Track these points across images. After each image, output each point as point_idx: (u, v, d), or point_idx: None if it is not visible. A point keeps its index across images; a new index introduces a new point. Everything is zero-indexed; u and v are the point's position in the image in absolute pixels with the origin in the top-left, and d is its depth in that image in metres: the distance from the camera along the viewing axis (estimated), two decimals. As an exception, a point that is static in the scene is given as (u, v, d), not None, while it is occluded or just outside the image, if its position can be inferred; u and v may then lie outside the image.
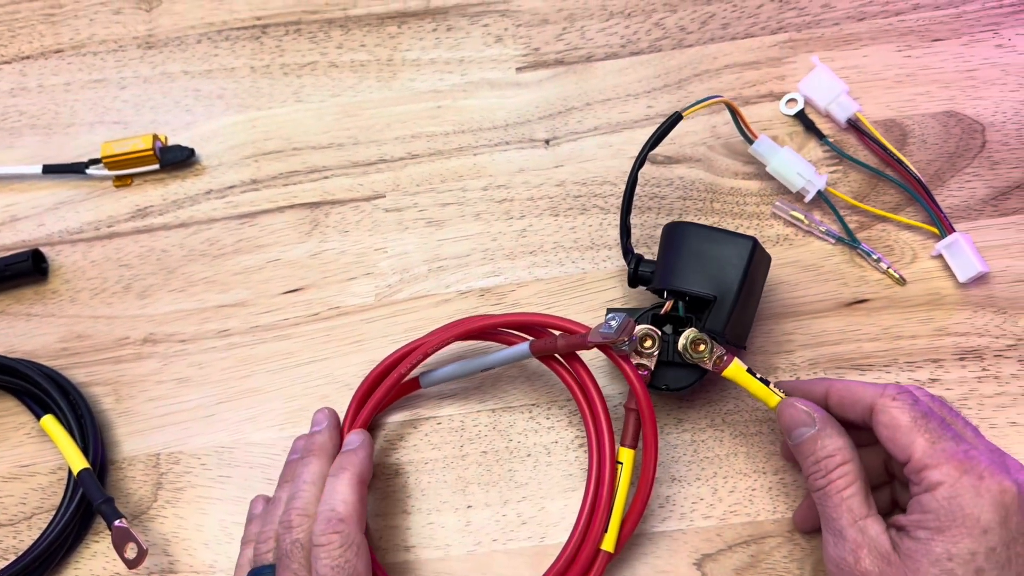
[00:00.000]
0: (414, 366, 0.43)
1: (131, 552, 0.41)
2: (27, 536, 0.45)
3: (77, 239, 0.53)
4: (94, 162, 0.54)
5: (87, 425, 0.46)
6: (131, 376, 0.48)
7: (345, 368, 0.48)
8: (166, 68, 0.57)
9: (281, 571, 0.37)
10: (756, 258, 0.41)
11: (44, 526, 0.45)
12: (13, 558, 0.44)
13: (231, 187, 0.53)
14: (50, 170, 0.54)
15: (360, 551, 0.37)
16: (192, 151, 0.53)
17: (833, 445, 0.37)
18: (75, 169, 0.54)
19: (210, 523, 0.45)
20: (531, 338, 0.42)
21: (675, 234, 0.42)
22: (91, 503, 0.43)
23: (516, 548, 0.43)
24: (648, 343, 0.40)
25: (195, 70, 0.57)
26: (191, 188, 0.54)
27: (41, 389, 0.46)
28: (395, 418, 0.46)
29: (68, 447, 0.44)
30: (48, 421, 0.45)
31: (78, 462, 0.44)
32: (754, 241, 0.41)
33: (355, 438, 0.42)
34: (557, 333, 0.42)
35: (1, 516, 0.46)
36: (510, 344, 0.43)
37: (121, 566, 0.43)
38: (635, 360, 0.40)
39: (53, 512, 0.45)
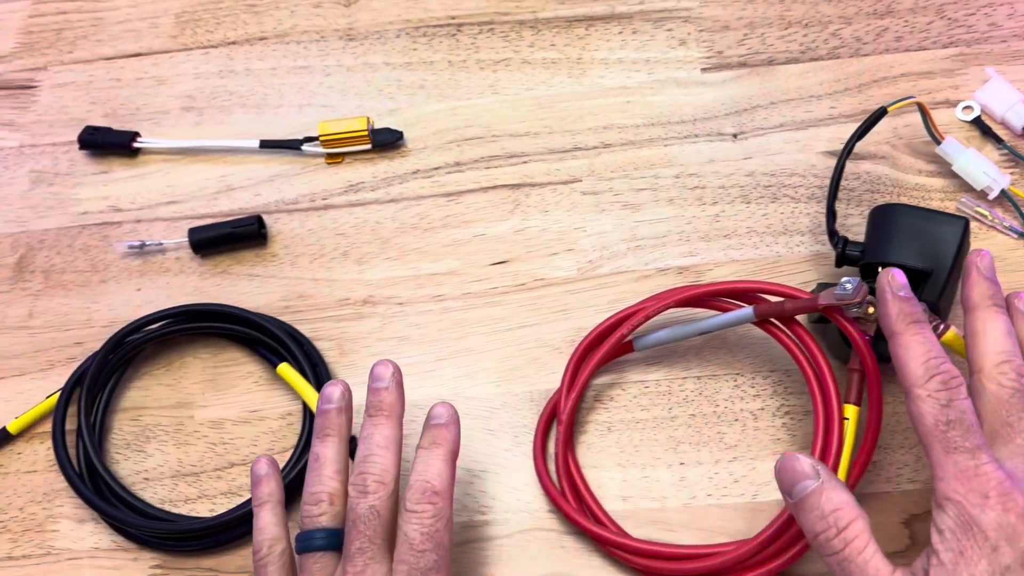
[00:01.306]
0: (634, 328, 0.47)
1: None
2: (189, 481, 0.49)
3: (293, 209, 0.57)
4: (309, 139, 0.58)
5: (321, 373, 0.49)
6: (353, 333, 0.52)
7: (553, 333, 0.51)
8: (368, 59, 0.62)
9: (354, 536, 0.37)
10: (966, 238, 0.44)
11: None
12: (248, 495, 0.48)
13: (436, 168, 0.57)
14: (267, 145, 0.58)
15: (448, 525, 0.37)
16: (401, 134, 0.58)
17: (840, 498, 0.34)
18: (291, 145, 0.58)
19: (435, 468, 0.48)
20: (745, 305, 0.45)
21: (887, 214, 0.46)
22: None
23: (730, 503, 0.46)
24: (871, 310, 0.43)
25: (396, 62, 0.61)
26: (399, 168, 0.58)
27: (277, 340, 0.50)
28: (602, 380, 0.50)
29: (308, 391, 0.48)
30: (285, 368, 0.49)
31: (315, 400, 0.47)
32: (966, 221, 0.44)
33: (444, 411, 0.40)
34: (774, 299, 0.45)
35: (235, 456, 0.49)
36: (726, 311, 0.46)
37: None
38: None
39: (285, 453, 0.49)
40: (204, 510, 0.48)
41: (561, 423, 0.46)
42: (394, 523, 0.38)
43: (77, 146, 0.60)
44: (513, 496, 0.47)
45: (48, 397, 0.51)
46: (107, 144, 0.59)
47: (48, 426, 0.51)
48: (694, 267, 0.52)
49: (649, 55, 0.60)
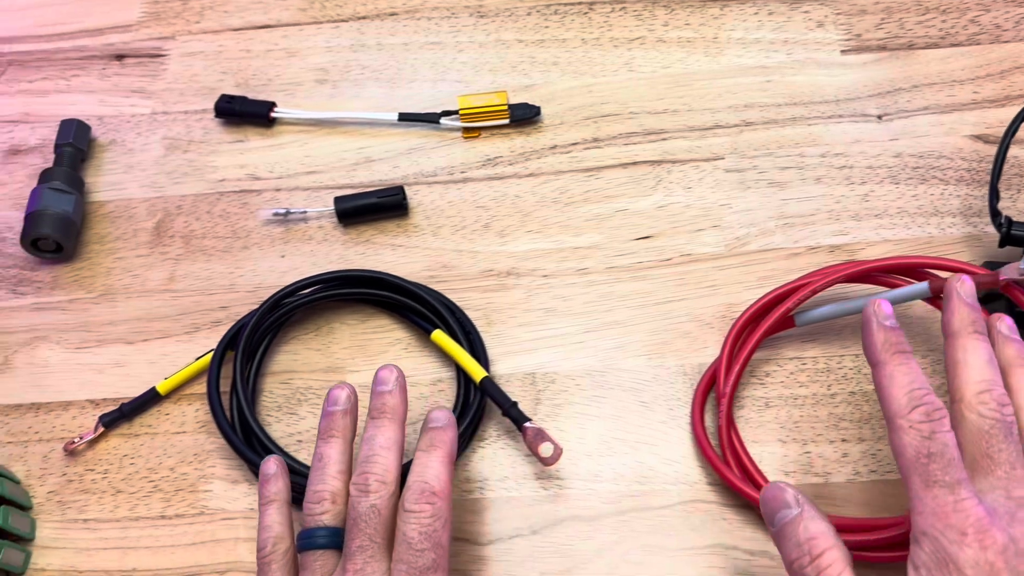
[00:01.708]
0: (801, 302, 0.46)
1: (546, 451, 0.44)
2: (414, 439, 0.49)
3: (433, 181, 0.57)
4: (447, 113, 0.58)
5: (475, 340, 0.49)
6: (499, 304, 0.52)
7: (703, 308, 0.51)
8: (500, 36, 0.62)
9: (355, 534, 0.37)
10: None
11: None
12: (404, 459, 0.47)
13: (574, 144, 0.57)
14: (405, 118, 0.58)
15: (446, 525, 0.38)
16: (539, 109, 0.58)
17: (816, 528, 0.34)
18: (429, 119, 0.58)
19: (590, 437, 0.48)
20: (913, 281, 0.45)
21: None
22: (502, 407, 0.46)
23: (895, 478, 0.45)
24: (1052, 287, 0.42)
25: (528, 39, 0.61)
26: (536, 143, 0.58)
27: (429, 308, 0.50)
28: (755, 356, 0.49)
29: (465, 357, 0.48)
30: (440, 335, 0.49)
31: (478, 371, 0.47)
32: None
33: (442, 416, 0.41)
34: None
35: (388, 420, 0.49)
36: (893, 288, 0.46)
37: (510, 468, 0.47)
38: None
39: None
40: (359, 474, 0.48)
41: (724, 396, 0.46)
42: (394, 523, 0.38)
43: (211, 114, 0.60)
44: (671, 468, 0.47)
45: (197, 359, 0.51)
46: (244, 113, 0.59)
47: (195, 388, 0.51)
48: (845, 246, 0.52)
49: (787, 36, 0.59)
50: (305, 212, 0.56)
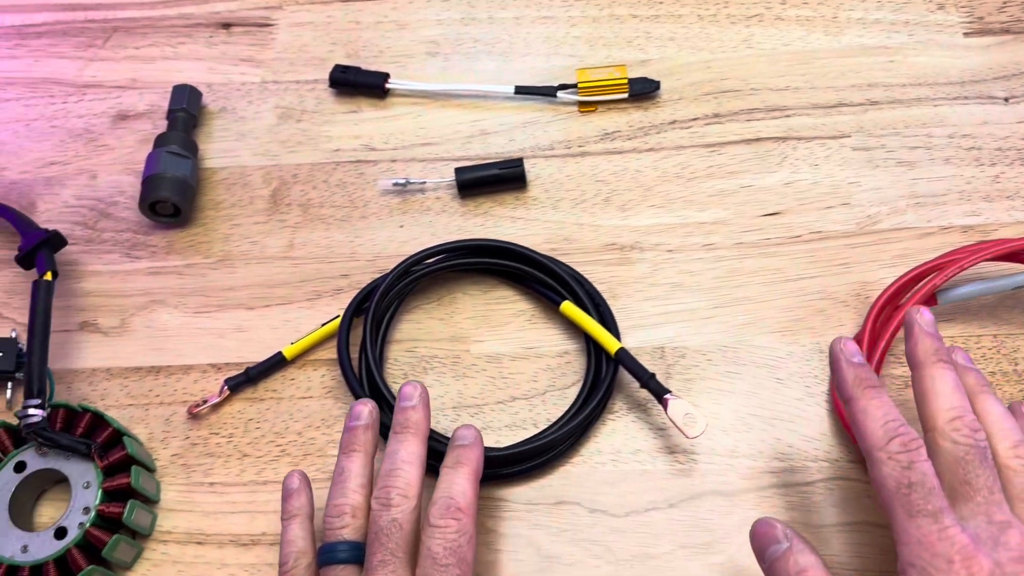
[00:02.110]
0: (948, 279, 0.46)
1: (691, 423, 0.44)
2: (542, 410, 0.48)
3: (550, 155, 0.56)
4: (563, 87, 0.58)
5: (605, 312, 0.49)
6: (623, 277, 0.51)
7: (837, 287, 0.50)
8: (613, 11, 0.61)
9: (376, 549, 0.37)
10: None
11: (559, 402, 0.48)
12: (534, 429, 0.47)
13: (694, 119, 0.57)
14: (522, 91, 0.58)
15: (471, 541, 0.38)
16: (659, 84, 0.57)
17: (806, 560, 0.35)
18: (546, 92, 0.58)
19: (724, 412, 0.47)
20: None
21: None
22: (640, 379, 0.45)
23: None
24: None
25: (643, 14, 0.61)
26: (654, 118, 0.57)
27: (557, 279, 0.49)
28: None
29: (597, 329, 0.47)
30: (569, 306, 0.48)
31: (613, 342, 0.46)
32: None
33: (469, 433, 0.41)
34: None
35: (515, 391, 0.49)
36: (1042, 267, 0.45)
37: (642, 441, 0.47)
38: None
39: (565, 390, 0.48)
40: (490, 442, 0.47)
41: (867, 372, 0.45)
42: (416, 538, 0.38)
43: (323, 84, 0.60)
44: (810, 446, 0.46)
45: (323, 325, 0.51)
46: (359, 84, 0.59)
47: (320, 354, 0.51)
48: (979, 227, 0.51)
49: (907, 17, 0.59)
50: (424, 183, 0.55)
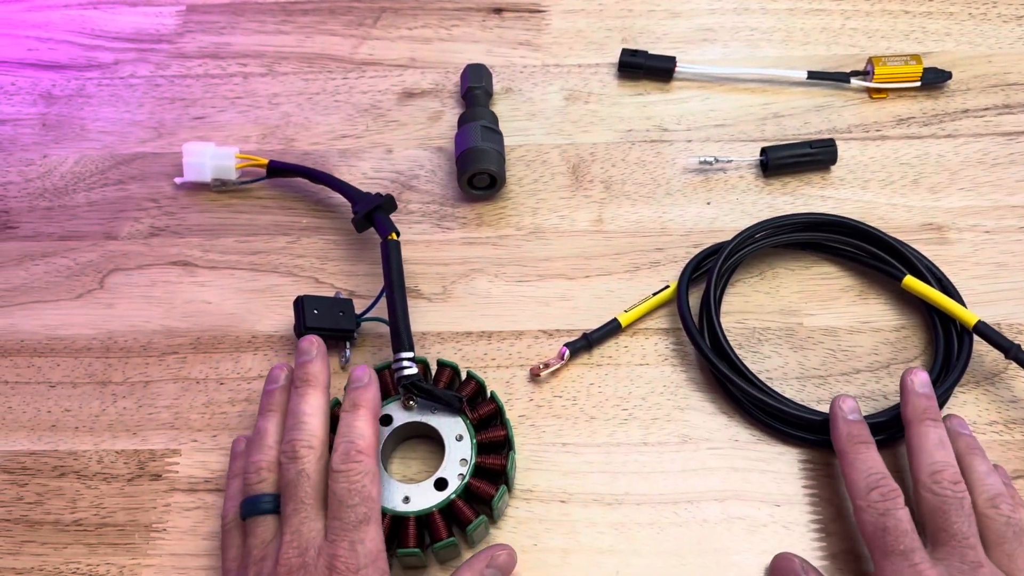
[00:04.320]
0: None
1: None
2: (888, 382, 0.49)
3: (849, 138, 0.58)
4: (855, 74, 0.59)
5: (948, 286, 0.50)
6: (945, 256, 0.53)
7: None
8: (885, 6, 0.63)
9: (288, 499, 0.39)
10: None
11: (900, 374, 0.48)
12: (885, 401, 0.48)
13: (986, 109, 0.58)
14: (815, 76, 0.59)
15: (374, 480, 0.40)
16: (950, 74, 0.58)
17: None
18: (839, 78, 0.59)
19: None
20: None
21: None
22: (1005, 351, 0.46)
23: None
24: None
25: (914, 10, 0.63)
26: (946, 106, 0.58)
27: (897, 255, 0.50)
28: None
29: (949, 302, 0.48)
30: (912, 280, 0.49)
31: (970, 315, 0.47)
32: None
33: (363, 373, 0.43)
34: None
35: (858, 363, 0.50)
36: None
37: (996, 413, 0.48)
38: None
39: (907, 363, 0.49)
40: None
41: None
42: (324, 483, 0.40)
43: (605, 68, 0.62)
44: None
45: (655, 294, 0.52)
46: (648, 68, 0.60)
47: (649, 323, 0.52)
48: None
49: None
50: (730, 160, 0.57)
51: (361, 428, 0.41)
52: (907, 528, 0.38)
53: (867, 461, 0.41)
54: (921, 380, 0.44)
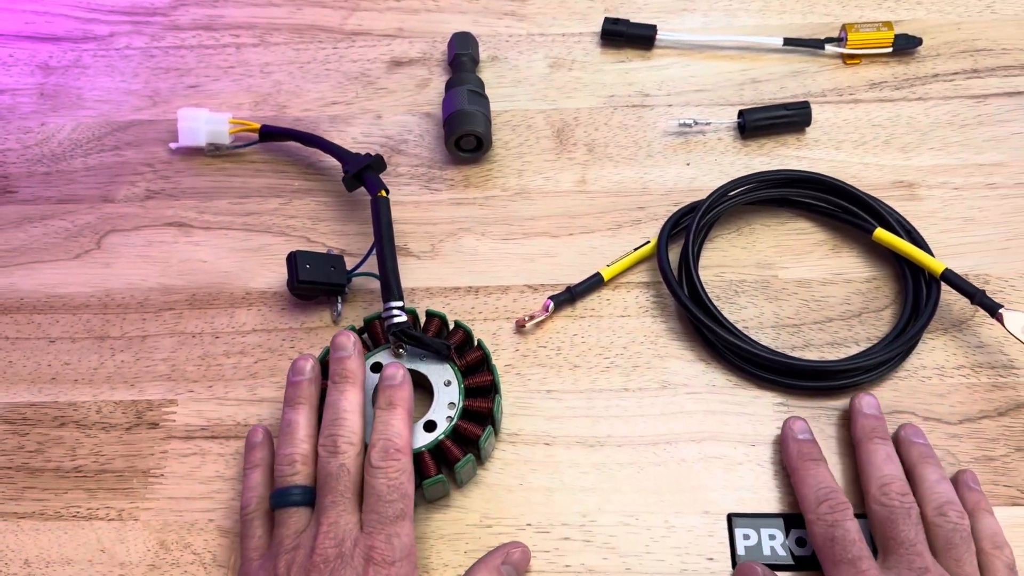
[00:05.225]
0: None
1: (1034, 333, 0.46)
2: (860, 330, 0.51)
3: (824, 101, 0.60)
4: (829, 40, 0.61)
5: (917, 237, 0.52)
6: (916, 212, 0.55)
7: (1121, 222, 0.53)
8: (859, -24, 0.65)
9: (327, 491, 0.40)
10: None
11: (876, 323, 0.50)
12: (856, 347, 0.50)
13: (955, 73, 0.60)
14: (790, 43, 0.61)
15: (410, 478, 0.41)
16: (920, 40, 0.61)
17: None
18: (813, 44, 0.61)
19: (1037, 333, 0.50)
20: None
21: None
22: (970, 296, 0.48)
23: None
24: None
25: (888, -20, 0.64)
26: (916, 71, 0.61)
27: (868, 208, 0.52)
28: None
29: (917, 252, 0.50)
30: (883, 232, 0.51)
31: (936, 264, 0.49)
32: None
33: (397, 372, 0.44)
34: None
35: (830, 312, 0.52)
36: None
37: (963, 358, 0.50)
38: None
39: (880, 311, 0.51)
40: (813, 357, 0.50)
41: None
42: (361, 479, 0.41)
43: (588, 37, 0.64)
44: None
45: (636, 249, 0.53)
46: (630, 35, 0.62)
47: (630, 277, 0.54)
48: None
49: None
50: (709, 123, 0.58)
51: (398, 427, 0.42)
52: (855, 538, 0.40)
53: (817, 477, 0.43)
54: (869, 403, 0.46)
